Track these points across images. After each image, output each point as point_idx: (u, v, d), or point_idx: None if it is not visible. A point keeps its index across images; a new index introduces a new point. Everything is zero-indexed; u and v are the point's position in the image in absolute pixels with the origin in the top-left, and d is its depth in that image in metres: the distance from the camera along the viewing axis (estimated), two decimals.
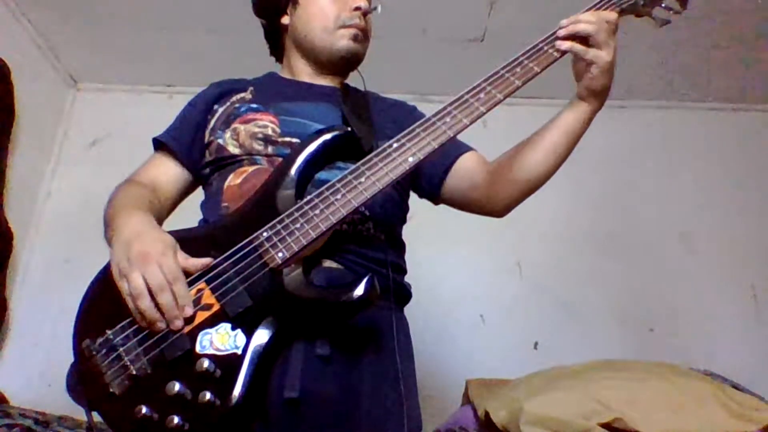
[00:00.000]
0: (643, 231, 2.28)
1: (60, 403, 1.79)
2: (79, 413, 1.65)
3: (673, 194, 2.34)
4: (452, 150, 1.13)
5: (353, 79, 1.26)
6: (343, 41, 1.14)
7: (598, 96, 0.97)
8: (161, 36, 2.21)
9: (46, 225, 2.26)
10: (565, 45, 0.92)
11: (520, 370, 1.70)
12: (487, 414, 1.41)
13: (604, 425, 1.24)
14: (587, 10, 0.95)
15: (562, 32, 0.93)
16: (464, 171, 1.14)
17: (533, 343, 2.12)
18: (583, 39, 0.92)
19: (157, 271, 0.81)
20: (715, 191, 2.34)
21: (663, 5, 0.99)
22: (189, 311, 0.82)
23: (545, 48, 0.93)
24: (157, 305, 0.81)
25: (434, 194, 1.18)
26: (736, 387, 1.49)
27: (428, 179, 1.16)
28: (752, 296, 2.18)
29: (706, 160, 2.39)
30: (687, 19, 2.02)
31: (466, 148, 1.17)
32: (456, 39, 2.16)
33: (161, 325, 0.81)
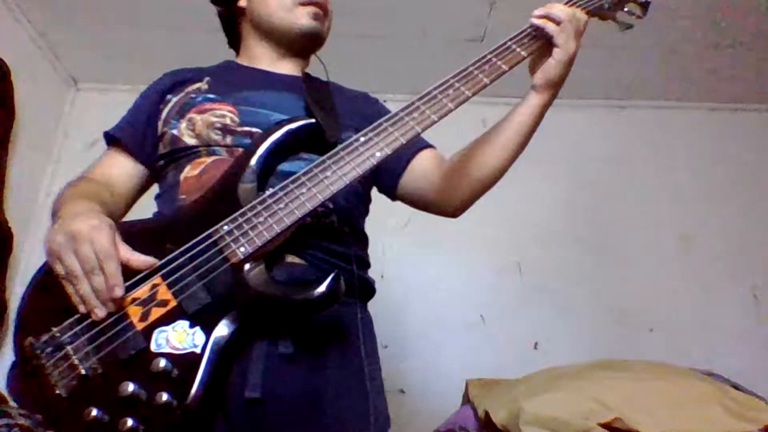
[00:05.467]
0: (642, 231, 2.28)
1: None
2: None
3: (673, 194, 2.34)
4: (411, 146, 1.09)
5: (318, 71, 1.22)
6: (303, 19, 1.11)
7: (553, 87, 0.96)
8: (161, 36, 2.21)
9: (46, 225, 2.26)
10: (539, 21, 0.93)
11: (520, 370, 1.70)
12: (487, 414, 1.41)
13: (604, 425, 1.24)
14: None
15: (537, 12, 0.94)
16: (421, 168, 1.12)
17: (533, 343, 2.12)
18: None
19: (89, 250, 0.76)
20: (715, 191, 2.34)
21: (626, 10, 1.02)
22: (119, 292, 0.76)
23: (513, 47, 0.94)
24: (92, 287, 0.76)
25: (392, 190, 1.16)
26: (736, 387, 1.49)
27: (388, 174, 1.13)
28: (752, 296, 2.18)
29: (706, 160, 2.39)
30: (687, 19, 2.03)
31: (424, 144, 1.15)
32: (456, 39, 2.16)
33: (100, 312, 0.76)
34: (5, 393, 1.93)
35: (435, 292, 2.17)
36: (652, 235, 2.28)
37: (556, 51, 0.92)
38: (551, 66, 0.93)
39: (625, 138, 2.42)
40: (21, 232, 2.12)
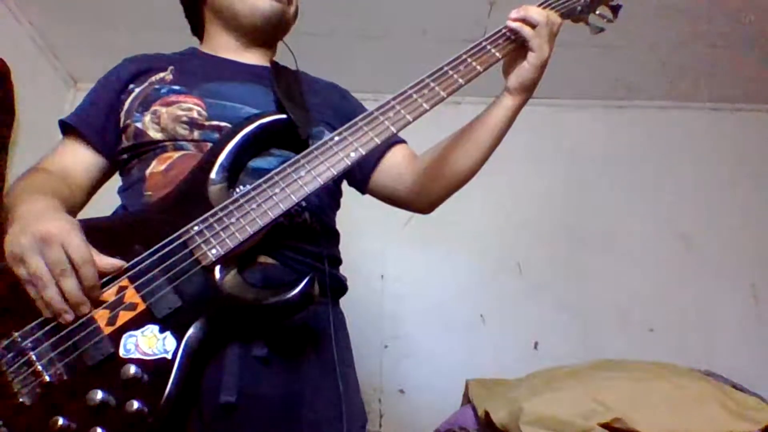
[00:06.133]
0: (642, 231, 2.29)
1: None
2: None
3: (673, 194, 2.34)
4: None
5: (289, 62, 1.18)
6: (264, 2, 1.06)
7: (527, 90, 0.96)
8: (161, 36, 2.20)
9: None
10: (515, 24, 0.92)
11: (520, 370, 1.70)
12: (487, 414, 1.42)
13: (604, 425, 1.24)
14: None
15: (513, 14, 0.93)
16: (393, 164, 1.11)
17: (533, 343, 2.12)
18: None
19: (60, 253, 0.72)
20: (715, 191, 2.34)
21: (597, 13, 1.03)
22: (96, 293, 0.74)
23: (488, 47, 0.94)
24: (61, 292, 0.72)
25: (363, 185, 1.14)
26: (736, 387, 1.49)
27: (359, 169, 1.11)
28: (752, 296, 2.18)
29: (706, 160, 2.39)
30: (687, 19, 2.03)
31: (396, 140, 1.13)
32: (456, 39, 2.16)
33: (68, 316, 0.73)
34: None
35: (435, 292, 2.17)
36: (652, 234, 2.28)
37: (530, 55, 0.92)
38: (525, 70, 0.93)
39: (625, 138, 2.42)
40: None
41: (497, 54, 0.93)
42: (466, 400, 1.67)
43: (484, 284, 2.22)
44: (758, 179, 2.35)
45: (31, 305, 0.74)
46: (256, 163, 0.90)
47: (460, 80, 0.91)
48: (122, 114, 1.01)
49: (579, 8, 1.01)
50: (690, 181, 2.36)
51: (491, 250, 2.25)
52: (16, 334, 0.74)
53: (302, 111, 0.98)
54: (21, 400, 0.71)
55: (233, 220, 0.79)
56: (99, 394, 0.69)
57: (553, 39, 0.94)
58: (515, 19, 0.93)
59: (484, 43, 0.94)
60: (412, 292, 2.16)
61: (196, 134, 0.95)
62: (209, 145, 0.91)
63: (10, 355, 0.73)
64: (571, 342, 2.08)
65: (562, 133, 2.38)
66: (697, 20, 2.04)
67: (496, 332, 2.13)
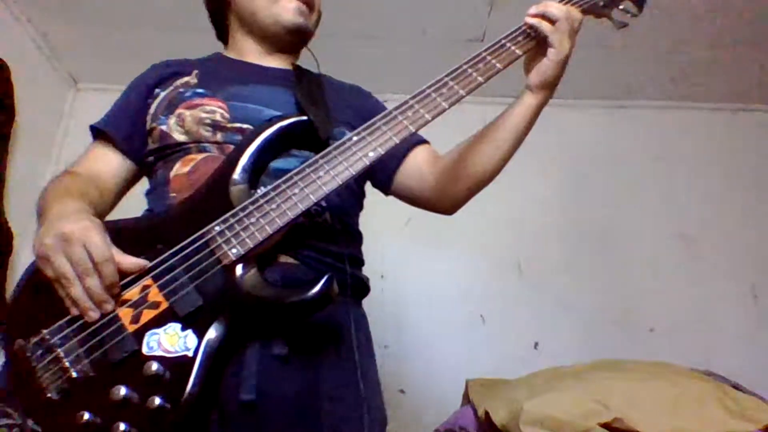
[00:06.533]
0: (643, 231, 2.28)
1: None
2: None
3: (673, 194, 2.34)
4: (406, 141, 1.09)
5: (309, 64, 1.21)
6: (287, 14, 1.10)
7: (548, 87, 0.96)
8: (161, 36, 2.21)
9: None
10: (534, 20, 0.92)
11: (520, 370, 1.70)
12: (487, 414, 1.41)
13: (604, 425, 1.24)
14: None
15: (532, 10, 0.93)
16: (415, 165, 1.12)
17: (533, 343, 2.12)
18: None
19: (82, 252, 0.75)
20: (716, 191, 2.34)
21: (621, 7, 1.01)
22: (116, 291, 0.76)
23: (508, 45, 0.93)
24: (86, 289, 0.75)
25: (386, 186, 1.15)
26: (736, 387, 1.49)
27: (382, 170, 1.12)
28: (752, 296, 2.18)
29: (707, 161, 2.39)
30: (687, 19, 2.03)
31: (419, 140, 1.14)
32: (456, 39, 2.16)
33: (94, 314, 0.75)
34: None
35: (435, 292, 2.17)
36: (652, 235, 2.28)
37: (551, 51, 0.92)
38: (546, 66, 0.93)
39: (625, 138, 2.42)
40: (21, 232, 2.12)
41: (517, 51, 0.93)
42: (466, 400, 1.67)
43: (484, 284, 2.22)
44: (758, 179, 2.35)
45: (59, 304, 0.77)
46: (277, 163, 0.92)
47: (480, 78, 0.90)
48: (148, 117, 1.04)
49: (602, 3, 0.99)
50: (690, 181, 2.36)
51: (491, 250, 2.25)
52: (45, 331, 0.76)
53: (323, 112, 1.00)
54: (49, 395, 0.74)
55: (253, 220, 0.80)
56: (122, 390, 0.71)
57: (574, 35, 0.93)
58: (534, 15, 0.93)
59: (503, 41, 0.94)
60: (412, 292, 2.16)
61: (219, 136, 0.97)
62: (231, 147, 0.93)
63: (39, 352, 0.76)
64: (571, 342, 2.08)
65: (562, 133, 2.37)
66: (697, 20, 2.04)
67: (496, 332, 2.13)
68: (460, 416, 1.56)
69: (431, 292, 2.17)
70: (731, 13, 2.01)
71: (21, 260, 2.17)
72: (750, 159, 2.39)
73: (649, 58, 2.24)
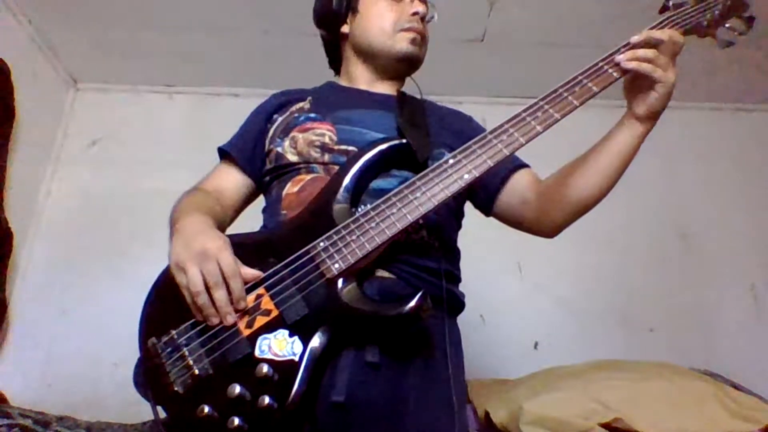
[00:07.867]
0: (643, 230, 2.28)
1: (60, 403, 1.80)
2: (78, 413, 1.65)
3: (673, 194, 2.34)
4: (508, 164, 1.11)
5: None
6: (402, 43, 1.17)
7: (655, 117, 0.97)
8: (161, 36, 2.21)
9: (46, 225, 2.26)
10: (632, 64, 0.91)
11: (520, 370, 1.70)
12: (487, 414, 1.42)
13: (604, 425, 1.24)
14: (651, 29, 0.93)
15: (634, 39, 0.92)
16: (517, 188, 1.14)
17: (533, 343, 2.12)
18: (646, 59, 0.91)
19: (215, 267, 0.84)
20: (716, 191, 2.34)
21: (727, 26, 0.97)
22: (242, 305, 0.85)
23: (605, 67, 0.93)
24: (212, 300, 0.84)
25: (488, 207, 1.18)
26: (736, 387, 1.50)
27: (484, 191, 1.16)
28: (752, 296, 2.18)
29: (707, 160, 2.39)
30: None
31: (520, 163, 1.17)
32: (456, 39, 2.16)
33: (215, 320, 0.84)
34: (5, 395, 1.93)
35: None
36: (652, 234, 2.28)
37: (657, 86, 0.91)
38: (654, 98, 0.93)
39: None
40: (21, 232, 2.12)
41: (615, 74, 0.93)
42: (466, 400, 1.67)
43: (484, 284, 2.22)
44: (758, 179, 2.35)
45: (185, 308, 0.86)
46: (377, 183, 0.98)
47: (575, 102, 0.92)
48: (267, 140, 1.15)
49: (705, 22, 0.96)
50: (690, 180, 2.36)
51: (491, 250, 2.25)
52: (174, 332, 0.87)
53: (422, 134, 1.05)
54: (176, 388, 0.83)
55: (354, 237, 0.87)
56: (237, 388, 0.80)
57: (674, 60, 0.92)
58: (630, 59, 0.91)
59: (600, 63, 0.94)
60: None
61: (326, 157, 1.05)
62: (336, 167, 1.00)
63: (168, 350, 0.86)
64: (571, 342, 2.08)
65: (562, 133, 2.36)
66: None
67: (496, 332, 2.13)
68: None
69: None
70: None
71: (21, 260, 2.17)
72: (750, 159, 2.39)
73: None
